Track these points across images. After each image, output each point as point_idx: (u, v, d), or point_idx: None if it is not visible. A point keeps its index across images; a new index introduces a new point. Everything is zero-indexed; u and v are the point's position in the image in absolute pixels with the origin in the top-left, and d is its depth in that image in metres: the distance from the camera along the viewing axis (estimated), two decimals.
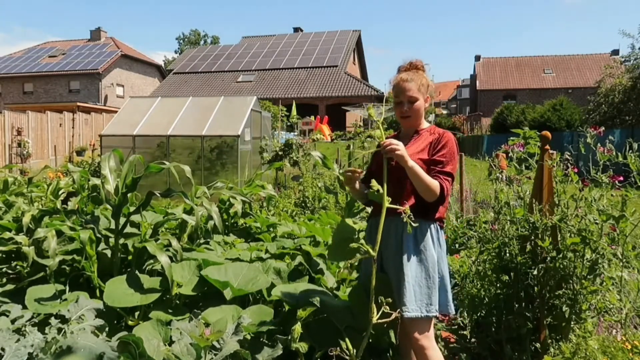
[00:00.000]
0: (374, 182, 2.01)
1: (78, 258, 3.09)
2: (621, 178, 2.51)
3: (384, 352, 2.67)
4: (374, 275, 2.04)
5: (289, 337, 2.22)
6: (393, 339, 2.62)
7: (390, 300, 1.96)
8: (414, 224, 1.94)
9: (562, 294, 2.58)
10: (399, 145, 2.04)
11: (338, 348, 2.11)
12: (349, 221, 2.28)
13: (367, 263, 2.29)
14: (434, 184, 2.12)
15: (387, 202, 2.00)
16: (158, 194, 3.04)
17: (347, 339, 2.19)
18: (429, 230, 2.22)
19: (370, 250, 2.01)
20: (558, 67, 41.60)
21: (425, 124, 2.37)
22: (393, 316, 1.97)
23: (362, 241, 2.05)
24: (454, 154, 2.23)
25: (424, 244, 2.20)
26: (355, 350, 2.16)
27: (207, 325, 2.20)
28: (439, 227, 2.27)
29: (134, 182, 3.07)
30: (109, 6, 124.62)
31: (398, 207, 1.99)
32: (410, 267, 2.17)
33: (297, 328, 2.20)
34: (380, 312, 1.98)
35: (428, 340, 2.16)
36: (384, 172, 2.06)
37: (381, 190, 1.99)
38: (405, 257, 2.18)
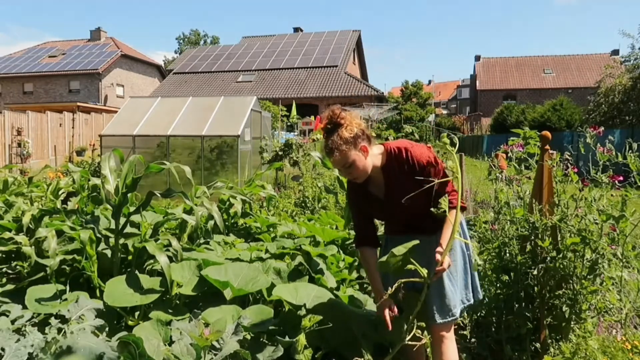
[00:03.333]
0: (443, 201, 1.89)
1: (78, 258, 3.09)
2: (621, 178, 2.51)
3: (386, 351, 2.68)
4: (423, 295, 1.94)
5: (292, 347, 2.21)
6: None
7: (424, 324, 1.93)
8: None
9: (562, 294, 2.58)
10: (444, 262, 1.91)
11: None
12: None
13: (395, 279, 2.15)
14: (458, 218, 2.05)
15: (455, 234, 1.91)
16: (158, 194, 3.04)
17: (364, 348, 2.20)
18: None
19: (426, 276, 1.92)
20: (558, 67, 41.59)
21: (379, 156, 2.16)
22: (424, 340, 1.92)
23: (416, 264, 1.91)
24: (435, 165, 2.09)
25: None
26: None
27: (207, 325, 2.20)
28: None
29: (134, 182, 3.07)
30: (109, 6, 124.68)
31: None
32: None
33: (302, 339, 2.19)
34: (411, 334, 1.93)
35: (449, 331, 2.18)
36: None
37: (447, 213, 1.89)
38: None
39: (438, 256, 1.90)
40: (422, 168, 2.07)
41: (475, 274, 2.32)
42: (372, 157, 2.14)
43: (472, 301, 2.25)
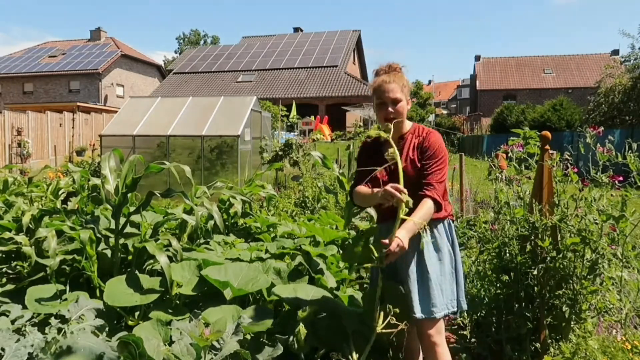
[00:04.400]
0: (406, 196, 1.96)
1: (78, 258, 3.09)
2: (621, 178, 2.51)
3: (385, 351, 2.68)
4: (379, 285, 2.03)
5: (291, 339, 2.22)
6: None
7: (398, 310, 1.95)
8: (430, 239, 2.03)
9: (562, 294, 2.58)
10: (401, 247, 1.96)
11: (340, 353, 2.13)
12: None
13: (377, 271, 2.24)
14: (429, 208, 2.09)
15: (402, 214, 1.97)
16: (158, 194, 3.04)
17: (352, 344, 2.21)
18: (442, 227, 2.25)
19: (381, 260, 1.98)
20: (558, 67, 41.58)
21: (407, 126, 2.32)
22: (400, 327, 1.97)
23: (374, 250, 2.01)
24: (443, 158, 2.20)
25: (440, 242, 2.22)
26: (358, 355, 2.17)
27: (207, 325, 2.20)
28: (450, 222, 2.29)
29: (134, 182, 3.07)
30: (109, 6, 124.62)
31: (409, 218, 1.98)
32: (433, 268, 2.17)
33: (302, 329, 2.20)
34: (386, 322, 1.97)
35: (440, 337, 2.18)
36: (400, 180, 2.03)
37: (410, 204, 1.96)
38: (426, 259, 2.18)
39: (386, 240, 1.96)
40: (432, 152, 2.19)
41: (462, 285, 2.31)
42: (406, 119, 2.29)
43: (455, 309, 2.24)
